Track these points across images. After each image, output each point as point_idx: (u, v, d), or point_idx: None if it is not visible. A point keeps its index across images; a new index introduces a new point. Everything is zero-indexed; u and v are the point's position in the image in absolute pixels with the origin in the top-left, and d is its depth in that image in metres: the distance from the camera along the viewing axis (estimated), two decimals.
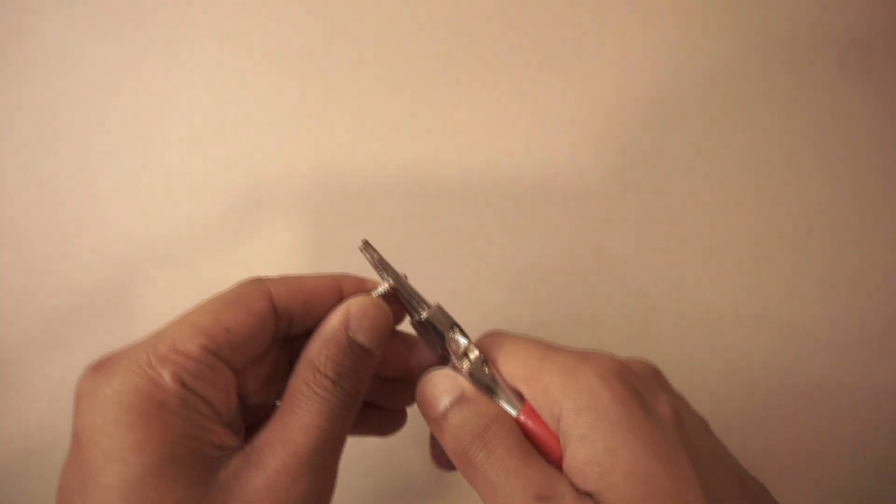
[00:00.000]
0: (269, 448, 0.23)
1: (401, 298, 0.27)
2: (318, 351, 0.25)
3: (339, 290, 0.27)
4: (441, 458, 0.28)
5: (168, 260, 0.41)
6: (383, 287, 0.27)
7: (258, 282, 0.26)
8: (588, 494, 0.23)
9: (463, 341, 0.27)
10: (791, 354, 0.42)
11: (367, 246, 0.28)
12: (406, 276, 0.28)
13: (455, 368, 0.27)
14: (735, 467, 0.26)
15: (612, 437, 0.23)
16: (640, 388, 0.25)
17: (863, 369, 0.42)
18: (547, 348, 0.26)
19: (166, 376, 0.22)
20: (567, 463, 0.24)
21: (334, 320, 0.25)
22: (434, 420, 0.26)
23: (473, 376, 0.26)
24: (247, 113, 0.43)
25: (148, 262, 0.41)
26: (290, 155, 0.43)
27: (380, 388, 0.30)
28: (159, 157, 0.42)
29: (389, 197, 0.42)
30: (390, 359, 0.28)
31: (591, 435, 0.23)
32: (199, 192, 0.42)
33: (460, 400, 0.26)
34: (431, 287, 0.42)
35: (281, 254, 0.42)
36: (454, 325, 0.27)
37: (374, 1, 0.44)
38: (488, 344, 0.28)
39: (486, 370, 0.26)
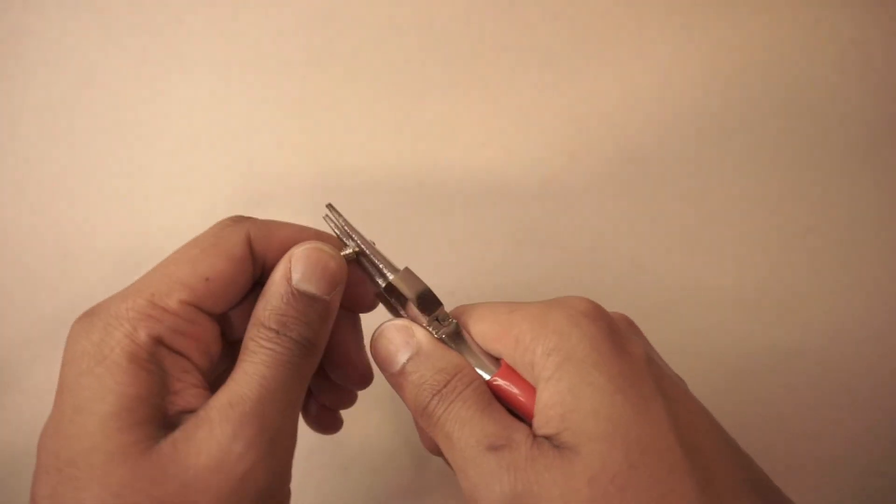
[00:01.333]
0: (213, 402, 0.22)
1: (367, 264, 0.26)
2: (262, 305, 0.24)
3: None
4: (431, 442, 0.27)
5: None
6: (347, 251, 0.26)
7: (237, 222, 0.25)
8: (548, 438, 0.22)
9: (432, 304, 0.26)
10: (791, 354, 0.42)
11: (331, 210, 0.26)
12: (374, 244, 0.27)
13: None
14: (710, 416, 0.24)
15: (577, 376, 0.22)
16: (614, 327, 0.24)
17: (862, 369, 0.42)
18: (515, 304, 0.26)
19: (141, 333, 0.22)
20: (535, 409, 0.23)
21: (276, 272, 0.24)
22: (392, 376, 0.25)
23: (445, 342, 0.25)
24: (247, 113, 0.43)
25: (148, 262, 0.41)
26: (290, 155, 0.43)
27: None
28: (159, 157, 0.42)
29: (389, 197, 0.42)
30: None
31: (555, 375, 0.23)
32: (199, 192, 0.42)
33: (418, 354, 0.25)
34: (433, 286, 0.42)
35: None
36: (423, 286, 0.26)
37: (373, 1, 0.44)
38: (459, 312, 0.27)
39: (460, 335, 0.26)
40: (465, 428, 0.23)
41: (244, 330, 0.24)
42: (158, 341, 0.22)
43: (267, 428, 0.21)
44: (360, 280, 0.27)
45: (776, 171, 0.43)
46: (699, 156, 0.43)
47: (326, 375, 0.28)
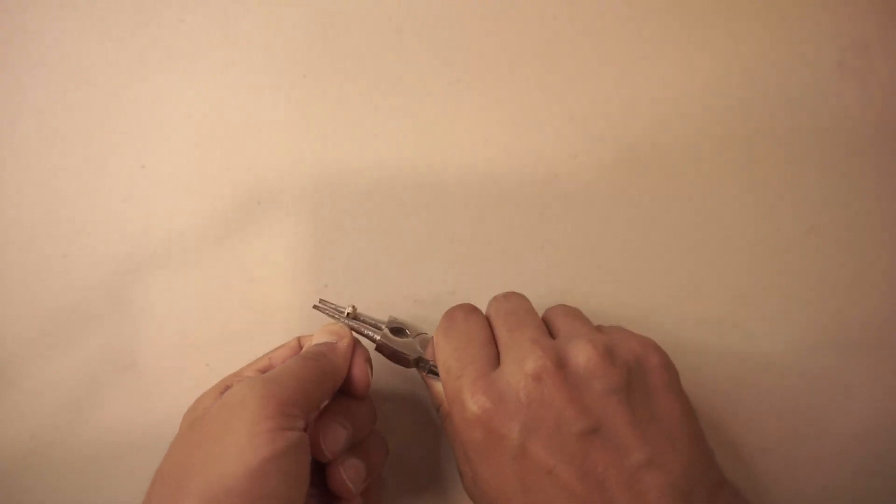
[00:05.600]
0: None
1: (358, 332, 0.35)
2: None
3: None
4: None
5: (168, 260, 0.41)
6: (341, 324, 0.35)
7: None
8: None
9: (412, 339, 0.35)
10: (790, 354, 0.42)
11: (321, 304, 0.36)
12: (355, 309, 0.35)
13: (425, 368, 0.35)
14: (670, 455, 0.29)
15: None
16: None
17: (862, 369, 0.42)
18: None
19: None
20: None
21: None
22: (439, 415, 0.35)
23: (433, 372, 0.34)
24: (247, 112, 0.43)
25: (148, 262, 0.41)
26: (291, 154, 0.43)
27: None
28: (159, 157, 0.42)
29: (390, 196, 0.42)
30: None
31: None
32: (199, 192, 0.42)
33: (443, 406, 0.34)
34: (431, 286, 0.42)
35: (281, 253, 0.42)
36: (400, 330, 0.35)
37: (374, 1, 0.44)
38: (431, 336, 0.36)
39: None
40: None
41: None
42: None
43: (274, 381, 0.30)
44: (358, 365, 0.35)
45: (776, 170, 0.43)
46: (699, 156, 0.43)
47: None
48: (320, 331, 0.35)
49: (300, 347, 0.35)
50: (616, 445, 0.28)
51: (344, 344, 0.34)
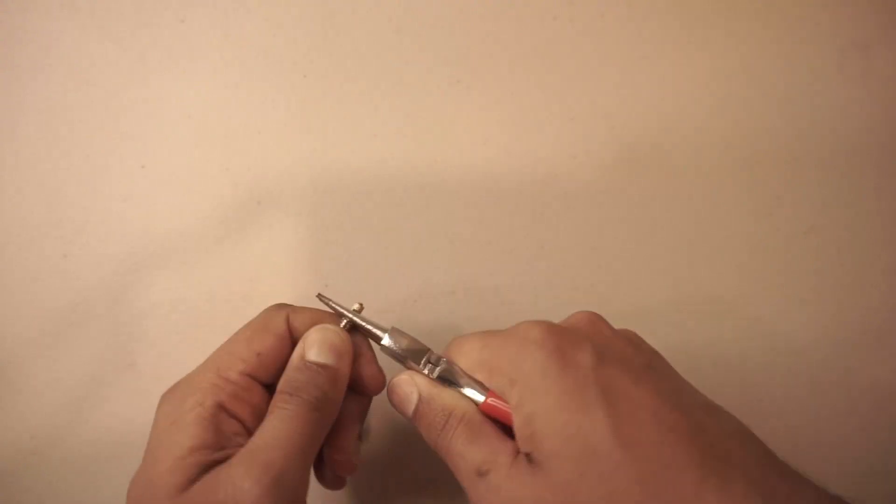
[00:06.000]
0: (237, 452, 0.27)
1: (362, 331, 0.32)
2: (282, 378, 0.30)
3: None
4: None
5: (168, 260, 0.41)
6: (343, 324, 0.32)
7: (279, 308, 0.32)
8: (527, 454, 0.27)
9: (421, 350, 0.31)
10: (790, 354, 0.42)
11: (321, 299, 0.33)
12: (362, 307, 0.33)
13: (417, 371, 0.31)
14: (656, 402, 0.27)
15: (532, 401, 0.27)
16: (563, 345, 0.28)
17: (862, 368, 0.42)
18: (485, 336, 0.30)
19: (208, 400, 0.28)
20: (514, 430, 0.28)
21: (295, 352, 0.31)
22: (411, 420, 0.31)
23: (443, 378, 0.30)
24: (247, 112, 0.43)
25: (148, 262, 0.41)
26: (291, 154, 0.43)
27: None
28: (159, 157, 0.42)
29: (390, 196, 0.42)
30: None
31: (519, 404, 0.27)
32: (199, 192, 0.42)
33: (421, 401, 0.30)
34: (431, 286, 0.42)
35: (281, 253, 0.42)
36: (410, 339, 0.31)
37: (374, 1, 0.44)
38: (448, 347, 0.32)
39: (452, 369, 0.30)
40: (462, 459, 0.28)
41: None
42: (220, 406, 0.28)
43: (271, 468, 0.26)
44: (369, 366, 0.33)
45: (776, 170, 0.43)
46: (700, 156, 0.43)
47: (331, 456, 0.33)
48: (318, 337, 0.31)
49: (290, 337, 0.31)
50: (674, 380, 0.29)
51: (345, 368, 0.31)
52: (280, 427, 0.27)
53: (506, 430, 0.29)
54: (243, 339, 0.30)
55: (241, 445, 0.27)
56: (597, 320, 0.31)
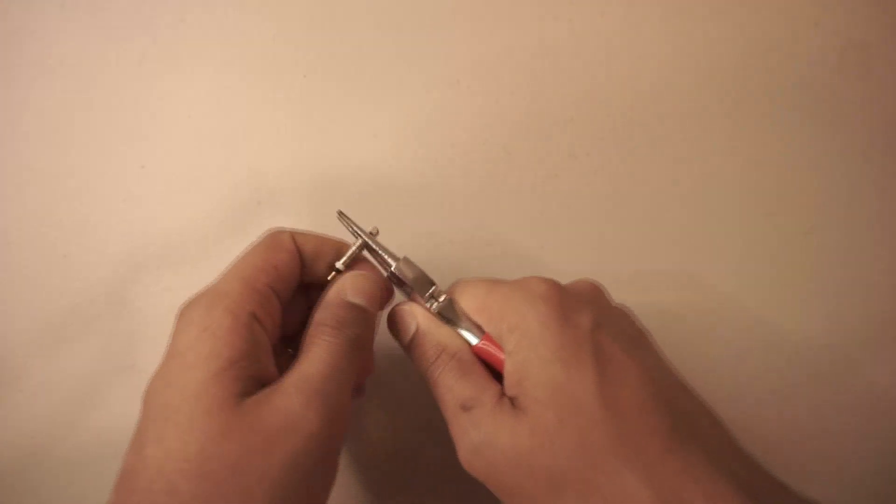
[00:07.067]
0: (288, 378, 0.27)
1: (373, 255, 0.33)
2: (323, 311, 0.30)
3: (337, 249, 0.33)
4: None
5: (168, 260, 0.41)
6: (356, 244, 0.33)
7: (280, 231, 0.32)
8: (511, 398, 0.29)
9: (428, 285, 0.32)
10: (790, 354, 0.42)
11: (341, 217, 0.33)
12: (377, 232, 0.33)
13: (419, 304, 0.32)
14: (640, 370, 0.29)
15: (529, 350, 0.28)
16: (566, 304, 0.29)
17: (862, 369, 0.42)
18: (493, 282, 0.32)
19: (243, 306, 0.28)
20: (504, 373, 0.29)
21: (331, 291, 0.31)
22: (404, 349, 0.32)
23: (441, 314, 0.31)
24: (247, 112, 0.43)
25: (148, 262, 0.41)
26: (290, 154, 0.43)
27: None
28: (159, 157, 0.42)
29: (390, 196, 0.42)
30: None
31: (515, 350, 0.29)
32: (199, 192, 0.42)
33: (418, 332, 0.31)
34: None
35: None
36: (419, 272, 0.32)
37: (374, 1, 0.44)
38: (452, 287, 0.33)
39: (453, 308, 0.32)
40: (449, 392, 0.30)
41: (290, 327, 0.32)
42: (253, 316, 0.28)
43: (329, 401, 0.27)
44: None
45: (776, 170, 0.43)
46: (700, 156, 0.43)
47: None
48: (362, 284, 0.31)
49: (298, 255, 0.31)
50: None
51: (375, 312, 0.32)
52: (329, 359, 0.28)
53: (493, 374, 0.30)
54: (260, 254, 0.30)
55: (271, 357, 0.28)
56: (599, 290, 0.33)
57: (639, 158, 0.43)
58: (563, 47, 0.44)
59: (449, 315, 0.31)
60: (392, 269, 0.32)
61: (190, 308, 0.28)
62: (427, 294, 0.32)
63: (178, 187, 0.42)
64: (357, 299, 0.31)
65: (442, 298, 0.32)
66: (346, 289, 0.31)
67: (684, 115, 0.43)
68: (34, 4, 0.43)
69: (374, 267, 0.34)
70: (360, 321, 0.30)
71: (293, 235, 0.32)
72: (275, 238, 0.31)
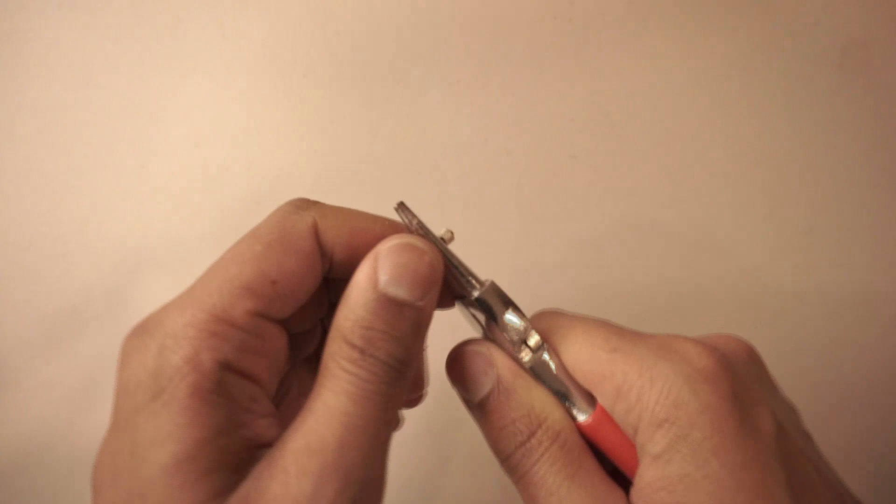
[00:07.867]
0: (291, 443, 0.18)
1: (448, 271, 0.22)
2: (344, 314, 0.19)
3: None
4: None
5: (168, 260, 0.41)
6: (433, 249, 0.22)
7: (302, 209, 0.21)
8: None
9: (519, 324, 0.22)
10: (790, 354, 0.42)
11: (402, 210, 0.22)
12: (452, 236, 0.23)
13: (495, 342, 0.22)
14: (836, 486, 0.21)
15: (693, 462, 0.19)
16: (739, 393, 0.20)
17: (862, 368, 0.42)
18: (618, 335, 0.21)
19: (205, 357, 0.18)
20: (636, 483, 0.20)
21: (360, 273, 0.20)
22: (471, 408, 0.22)
23: (535, 371, 0.22)
24: (247, 113, 0.43)
25: (148, 262, 0.41)
26: (290, 154, 0.43)
27: None
28: (159, 157, 0.42)
29: (390, 196, 0.42)
30: None
31: (666, 455, 0.19)
32: (199, 192, 0.42)
33: (499, 390, 0.21)
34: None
35: None
36: (510, 304, 0.22)
37: (373, 1, 0.44)
38: (547, 327, 0.22)
39: (550, 362, 0.22)
40: (552, 498, 0.20)
41: (305, 323, 0.22)
42: (225, 366, 0.18)
43: (351, 481, 0.18)
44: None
45: (776, 170, 0.43)
46: (700, 156, 0.43)
47: None
48: (403, 259, 0.20)
49: (319, 254, 0.21)
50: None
51: (431, 309, 0.21)
52: (352, 410, 0.18)
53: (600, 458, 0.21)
54: (250, 260, 0.20)
55: (267, 417, 0.19)
56: (758, 357, 0.23)
57: (637, 158, 0.43)
58: (562, 49, 0.44)
59: (545, 374, 0.22)
60: (477, 296, 0.22)
61: (133, 354, 0.20)
62: (517, 339, 0.22)
63: (177, 187, 0.42)
64: (400, 289, 0.19)
65: (534, 342, 0.22)
66: (383, 271, 0.19)
67: (686, 117, 0.43)
68: (34, 4, 0.43)
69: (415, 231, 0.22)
70: (403, 330, 0.19)
71: (316, 222, 0.21)
72: (282, 229, 0.21)
